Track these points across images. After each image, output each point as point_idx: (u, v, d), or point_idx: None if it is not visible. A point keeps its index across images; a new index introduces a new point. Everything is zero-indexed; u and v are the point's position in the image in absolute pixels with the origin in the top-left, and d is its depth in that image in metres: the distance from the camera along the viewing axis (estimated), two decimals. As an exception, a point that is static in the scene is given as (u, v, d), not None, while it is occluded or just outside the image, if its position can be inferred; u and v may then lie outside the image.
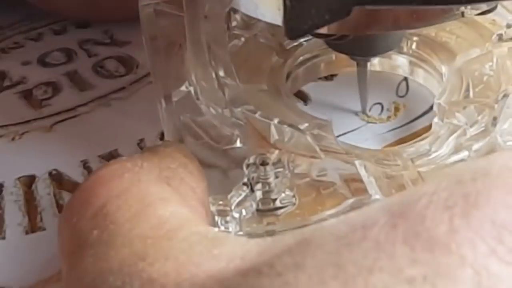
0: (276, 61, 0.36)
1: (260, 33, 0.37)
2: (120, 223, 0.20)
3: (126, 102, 0.44)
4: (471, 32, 0.35)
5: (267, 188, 0.28)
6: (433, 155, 0.29)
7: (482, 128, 0.30)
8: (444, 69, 0.34)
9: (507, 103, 0.30)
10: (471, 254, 0.15)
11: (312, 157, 0.29)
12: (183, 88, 0.33)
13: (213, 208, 0.27)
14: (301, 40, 0.36)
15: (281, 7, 0.22)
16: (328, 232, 0.16)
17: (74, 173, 0.38)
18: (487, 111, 0.30)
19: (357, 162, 0.28)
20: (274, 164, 0.28)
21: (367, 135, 0.36)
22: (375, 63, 0.38)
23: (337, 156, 0.29)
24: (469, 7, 0.27)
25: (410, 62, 0.37)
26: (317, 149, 0.29)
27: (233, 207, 0.27)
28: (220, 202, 0.27)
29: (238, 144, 0.30)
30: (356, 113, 0.37)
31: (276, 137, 0.30)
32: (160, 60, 0.36)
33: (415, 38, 0.37)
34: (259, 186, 0.28)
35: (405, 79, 0.38)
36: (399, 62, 0.38)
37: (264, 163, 0.28)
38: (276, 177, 0.28)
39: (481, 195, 0.16)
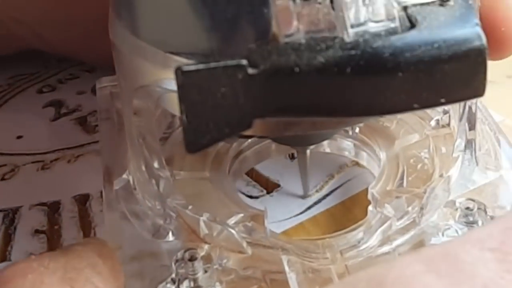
0: (222, 146, 0.36)
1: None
2: None
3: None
4: (411, 116, 0.35)
5: (193, 284, 0.28)
6: (363, 246, 0.29)
7: (411, 220, 0.29)
8: (382, 155, 0.34)
9: (435, 193, 0.29)
10: None
11: (240, 252, 0.29)
12: (124, 176, 0.33)
13: (135, 307, 0.26)
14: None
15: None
16: None
17: (124, 192, 0.41)
18: (417, 202, 0.30)
19: (282, 257, 0.28)
20: (203, 259, 0.28)
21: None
22: (325, 144, 0.38)
23: (265, 251, 0.29)
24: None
25: (355, 145, 0.37)
26: (244, 244, 0.29)
27: (156, 306, 0.27)
28: (142, 301, 0.27)
29: (170, 237, 0.30)
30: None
31: (206, 231, 0.29)
32: (109, 144, 0.36)
33: (358, 123, 0.36)
34: (186, 282, 0.28)
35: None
36: (345, 145, 0.37)
37: (192, 258, 0.28)
38: (205, 271, 0.28)
39: None
